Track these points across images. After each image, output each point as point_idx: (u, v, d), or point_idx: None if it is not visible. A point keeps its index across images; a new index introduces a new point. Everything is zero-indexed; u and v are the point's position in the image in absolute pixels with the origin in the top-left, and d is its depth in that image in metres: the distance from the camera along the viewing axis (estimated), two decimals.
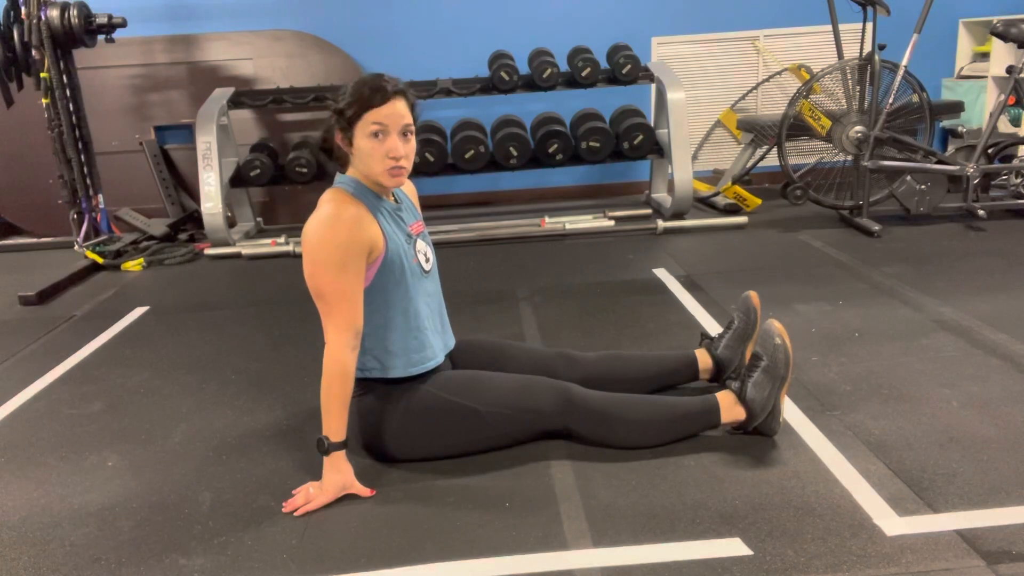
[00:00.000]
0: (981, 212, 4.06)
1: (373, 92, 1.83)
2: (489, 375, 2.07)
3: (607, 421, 2.04)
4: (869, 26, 4.35)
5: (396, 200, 2.05)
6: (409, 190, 2.17)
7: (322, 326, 1.88)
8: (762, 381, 2.05)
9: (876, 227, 4.07)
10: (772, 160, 4.92)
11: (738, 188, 4.78)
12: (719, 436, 2.12)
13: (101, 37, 4.40)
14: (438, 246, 4.37)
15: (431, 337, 2.05)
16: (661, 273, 3.64)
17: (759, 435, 2.10)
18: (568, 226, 4.50)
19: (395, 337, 1.97)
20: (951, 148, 5.02)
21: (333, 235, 1.82)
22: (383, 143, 1.85)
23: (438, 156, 4.51)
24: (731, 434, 2.12)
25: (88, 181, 4.48)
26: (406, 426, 2.00)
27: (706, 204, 5.03)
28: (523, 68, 4.89)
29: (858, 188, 4.30)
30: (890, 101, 4.11)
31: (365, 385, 2.00)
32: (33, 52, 4.21)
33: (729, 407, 2.08)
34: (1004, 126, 5.16)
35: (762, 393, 2.04)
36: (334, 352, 1.85)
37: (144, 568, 1.72)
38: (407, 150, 1.88)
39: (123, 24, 4.35)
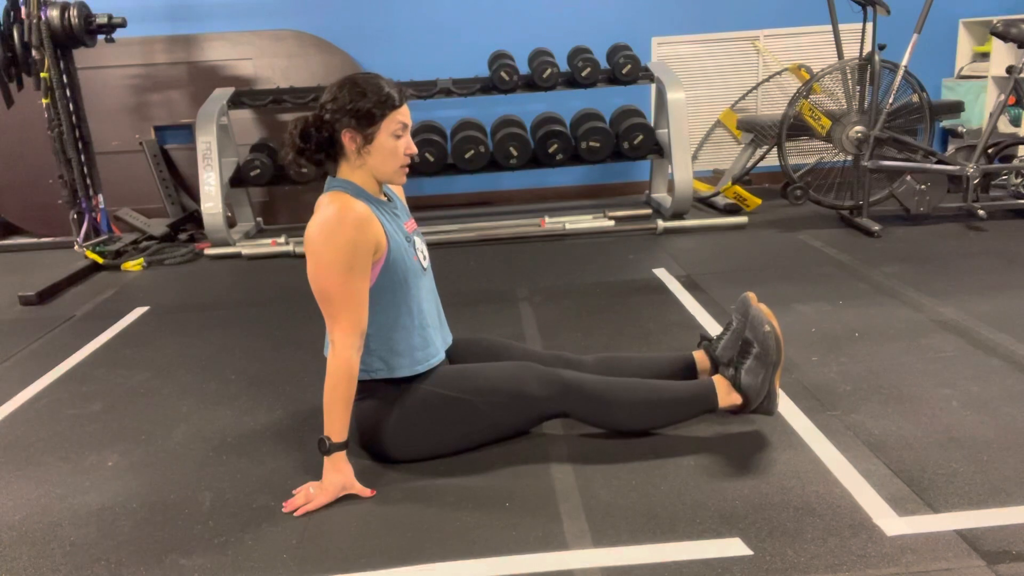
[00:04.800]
0: (981, 212, 4.06)
1: (396, 93, 1.90)
2: (481, 366, 2.07)
3: (603, 404, 2.05)
4: (869, 26, 4.35)
5: (389, 199, 2.06)
6: (397, 189, 2.18)
7: (326, 328, 1.88)
8: (755, 367, 2.05)
9: (876, 227, 4.07)
10: (772, 160, 4.92)
11: (738, 188, 4.78)
12: (719, 436, 2.12)
13: (101, 37, 4.40)
14: (439, 246, 4.39)
15: (433, 334, 2.05)
16: (661, 273, 3.64)
17: (758, 415, 2.12)
18: (568, 226, 4.50)
19: (401, 336, 1.97)
20: (951, 148, 5.02)
21: (339, 235, 1.82)
22: (401, 141, 1.92)
23: (438, 156, 4.51)
24: (733, 414, 2.13)
25: (88, 181, 4.48)
26: (404, 425, 2.00)
27: (706, 204, 5.03)
28: (523, 68, 4.89)
29: (858, 188, 4.30)
30: (890, 101, 4.11)
31: (367, 387, 1.99)
32: (33, 52, 4.21)
33: (726, 392, 2.09)
34: (1004, 126, 5.16)
35: (756, 379, 2.05)
36: (340, 353, 1.85)
37: (144, 568, 1.72)
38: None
39: (123, 24, 4.35)
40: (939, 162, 4.16)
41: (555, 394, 2.04)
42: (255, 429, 2.34)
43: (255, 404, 2.52)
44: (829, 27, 4.60)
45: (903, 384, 2.37)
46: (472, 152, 4.50)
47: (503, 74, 4.59)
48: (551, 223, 4.55)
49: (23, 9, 4.18)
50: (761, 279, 3.46)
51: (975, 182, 4.13)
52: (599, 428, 2.12)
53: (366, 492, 1.93)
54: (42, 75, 4.24)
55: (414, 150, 1.95)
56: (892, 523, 1.71)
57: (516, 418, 2.07)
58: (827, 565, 1.59)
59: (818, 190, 4.57)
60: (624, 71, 4.65)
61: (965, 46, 5.42)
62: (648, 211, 4.91)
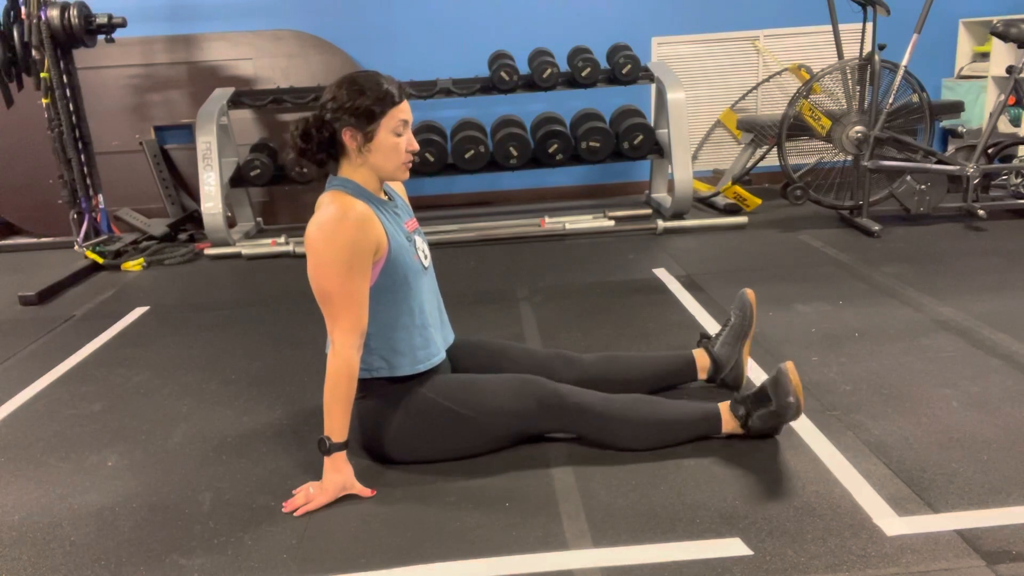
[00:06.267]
0: (981, 212, 4.06)
1: (396, 90, 1.89)
2: (485, 378, 2.07)
3: (602, 422, 2.04)
4: (869, 26, 4.35)
5: (390, 198, 2.06)
6: (399, 188, 2.18)
7: (326, 327, 1.88)
8: (767, 418, 2.03)
9: (876, 227, 4.07)
10: (772, 160, 4.92)
11: (738, 188, 4.78)
12: (719, 437, 2.12)
13: (101, 37, 4.40)
14: (439, 246, 4.39)
15: (434, 333, 2.05)
16: (661, 273, 3.64)
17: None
18: (568, 226, 4.50)
19: (401, 336, 1.97)
20: (951, 148, 5.02)
21: (339, 235, 1.82)
22: (403, 138, 1.91)
23: (438, 156, 4.51)
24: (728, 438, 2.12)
25: (88, 181, 4.48)
26: (405, 429, 2.00)
27: (706, 204, 5.03)
28: (523, 68, 4.89)
29: (858, 188, 4.30)
30: (890, 101, 4.11)
31: (368, 386, 2.00)
32: (33, 52, 4.21)
33: (731, 421, 2.07)
34: (1004, 126, 5.16)
35: (765, 425, 2.04)
36: (340, 353, 1.85)
37: (144, 568, 1.72)
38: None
39: (123, 24, 4.35)
40: (939, 162, 4.16)
41: (556, 413, 2.03)
42: (255, 429, 2.34)
43: (255, 404, 2.52)
44: (829, 27, 4.60)
45: (903, 384, 2.37)
46: (472, 152, 4.50)
47: (503, 74, 4.59)
48: (551, 223, 4.55)
49: (23, 9, 4.18)
50: (761, 279, 3.46)
51: (975, 182, 4.13)
52: (597, 445, 2.09)
53: (366, 492, 1.93)
54: (42, 75, 4.24)
55: (416, 147, 1.94)
56: (892, 523, 1.71)
57: (515, 433, 2.07)
58: (827, 565, 1.59)
59: (818, 190, 4.57)
60: (624, 71, 4.65)
61: (965, 46, 5.42)
62: (648, 211, 4.91)
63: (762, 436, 2.09)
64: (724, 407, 2.09)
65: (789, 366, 2.01)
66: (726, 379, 2.35)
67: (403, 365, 1.98)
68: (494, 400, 2.02)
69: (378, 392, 2.00)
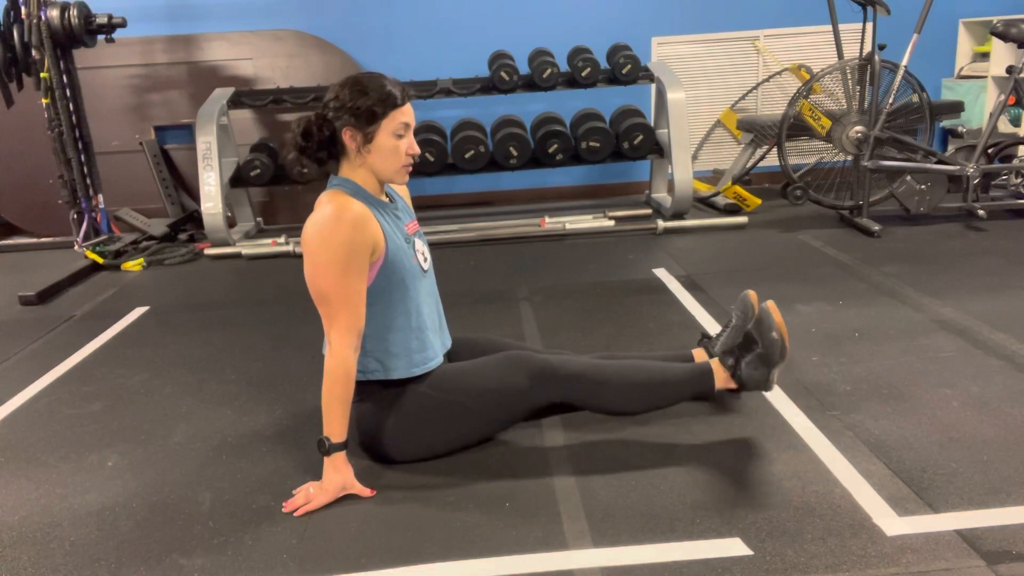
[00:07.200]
0: (981, 212, 4.06)
1: (399, 92, 1.88)
2: (471, 364, 2.06)
3: (595, 387, 2.02)
4: (869, 26, 4.35)
5: (391, 200, 2.06)
6: (401, 190, 2.18)
7: (323, 328, 1.88)
8: (756, 363, 2.03)
9: (876, 227, 4.07)
10: (772, 160, 4.92)
11: (738, 188, 4.78)
12: (719, 436, 2.12)
13: (101, 37, 4.40)
14: (439, 246, 4.39)
15: (431, 337, 2.05)
16: (661, 273, 3.64)
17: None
18: (568, 226, 4.50)
19: (397, 338, 1.97)
20: (951, 148, 5.02)
21: (336, 235, 1.82)
22: (403, 141, 1.90)
23: (438, 156, 4.51)
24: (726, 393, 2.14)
25: (88, 181, 4.48)
26: (402, 428, 2.00)
27: (706, 204, 5.03)
28: (523, 68, 4.89)
29: (858, 188, 4.30)
30: (890, 101, 4.11)
31: (364, 389, 1.99)
32: (33, 52, 4.21)
33: (722, 373, 2.07)
34: (1004, 126, 5.16)
35: (754, 374, 2.03)
36: (337, 354, 1.84)
37: (144, 568, 1.72)
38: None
39: (123, 24, 4.35)
40: (939, 162, 4.16)
41: (545, 382, 2.01)
42: (255, 429, 2.34)
43: (255, 404, 2.52)
44: (829, 27, 4.60)
45: (903, 384, 2.37)
46: (472, 152, 4.50)
47: (503, 74, 4.59)
48: (551, 223, 4.55)
49: (23, 9, 4.18)
50: (761, 279, 3.46)
51: (975, 182, 4.13)
52: (594, 411, 2.08)
53: (366, 492, 1.93)
54: (42, 75, 4.24)
55: (416, 150, 1.94)
56: (892, 523, 1.71)
57: (510, 412, 2.05)
58: (827, 565, 1.59)
59: (818, 190, 4.57)
60: (624, 71, 4.65)
61: (965, 46, 5.42)
62: (648, 211, 4.92)
63: (754, 389, 2.05)
64: (715, 362, 2.09)
65: (770, 304, 2.03)
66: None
67: (398, 367, 1.98)
68: (486, 381, 2.01)
69: (374, 395, 2.00)
